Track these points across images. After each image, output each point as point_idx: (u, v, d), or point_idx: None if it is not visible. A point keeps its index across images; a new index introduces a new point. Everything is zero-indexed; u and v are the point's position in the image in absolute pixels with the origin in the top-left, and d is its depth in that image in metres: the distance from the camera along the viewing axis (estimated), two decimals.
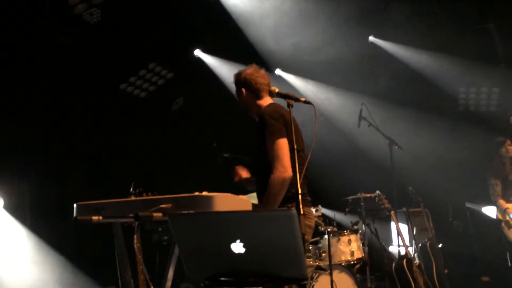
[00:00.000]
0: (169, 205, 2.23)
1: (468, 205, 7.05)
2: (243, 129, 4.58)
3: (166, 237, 6.03)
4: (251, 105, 3.28)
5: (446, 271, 5.65)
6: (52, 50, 5.47)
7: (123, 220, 2.48)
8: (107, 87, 6.36)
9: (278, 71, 7.80)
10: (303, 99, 2.83)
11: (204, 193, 2.25)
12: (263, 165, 2.93)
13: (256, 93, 3.26)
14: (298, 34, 6.77)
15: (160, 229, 6.09)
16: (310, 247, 4.93)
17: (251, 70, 3.33)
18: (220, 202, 2.18)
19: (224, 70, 7.18)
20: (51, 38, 5.41)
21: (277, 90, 2.81)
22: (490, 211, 6.71)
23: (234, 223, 1.88)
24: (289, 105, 2.76)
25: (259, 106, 3.21)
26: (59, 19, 5.34)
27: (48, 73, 5.54)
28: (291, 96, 2.76)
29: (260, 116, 3.05)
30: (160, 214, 2.19)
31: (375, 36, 7.30)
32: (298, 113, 2.76)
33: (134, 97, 6.77)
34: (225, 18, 6.36)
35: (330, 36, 6.72)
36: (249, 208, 2.45)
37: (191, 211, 2.11)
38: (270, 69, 7.60)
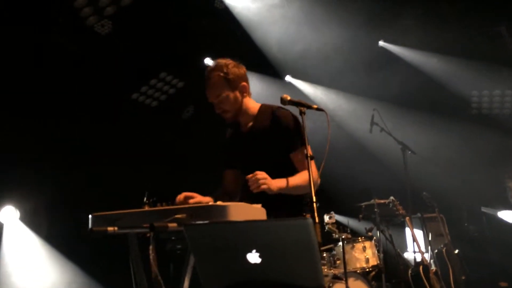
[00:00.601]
0: (184, 215, 2.22)
1: (484, 209, 6.96)
2: None
3: (179, 246, 6.04)
4: (243, 105, 2.96)
5: (463, 278, 5.57)
6: (64, 60, 5.53)
7: (138, 230, 2.47)
8: (119, 97, 6.40)
9: (288, 78, 7.80)
10: (315, 106, 2.82)
11: (218, 202, 2.24)
12: (278, 168, 2.73)
13: (249, 90, 3.00)
14: (308, 40, 6.77)
15: (173, 238, 6.12)
16: (324, 255, 4.90)
17: (231, 61, 2.96)
18: (235, 211, 2.17)
19: None
20: (63, 49, 5.47)
21: (289, 98, 2.76)
22: (506, 215, 6.62)
23: (249, 233, 1.87)
24: (301, 113, 2.73)
25: (253, 107, 3.00)
26: (71, 30, 5.40)
27: (60, 83, 5.60)
28: (303, 104, 2.73)
29: (286, 117, 2.87)
30: (175, 225, 2.18)
31: (385, 41, 7.28)
32: (308, 120, 2.73)
33: (145, 107, 6.81)
34: (234, 26, 6.39)
35: (340, 42, 6.71)
36: (264, 217, 2.44)
37: (206, 221, 2.10)
38: (280, 76, 7.61)
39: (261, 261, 1.84)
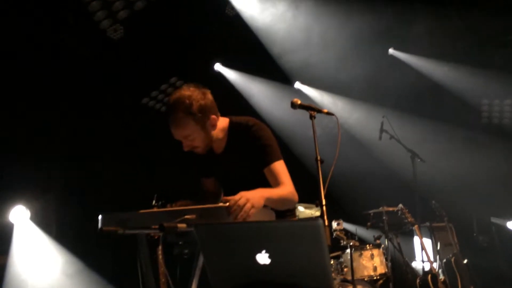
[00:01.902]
0: (194, 216, 2.23)
1: (493, 220, 6.89)
2: None
3: (187, 251, 6.05)
4: (214, 135, 2.74)
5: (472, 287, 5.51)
6: (76, 64, 5.60)
7: (148, 231, 2.48)
8: (130, 101, 6.45)
9: (297, 85, 7.82)
10: (325, 110, 2.77)
11: (228, 203, 2.25)
12: (257, 186, 2.52)
13: (217, 114, 2.74)
14: (318, 47, 6.79)
15: (181, 243, 6.12)
16: (332, 262, 4.88)
17: (194, 89, 2.65)
18: None
19: (244, 84, 7.24)
20: (76, 51, 5.53)
21: (299, 102, 2.73)
22: None
23: (259, 233, 1.87)
24: (311, 117, 2.71)
25: (223, 128, 2.78)
26: (83, 34, 5.47)
27: (72, 86, 5.66)
28: (313, 108, 2.69)
29: (262, 134, 2.71)
30: (184, 225, 2.19)
31: (395, 49, 7.29)
32: (318, 127, 2.70)
33: (155, 111, 6.86)
34: (246, 33, 6.43)
35: (350, 49, 6.72)
36: (273, 218, 2.44)
37: (217, 222, 2.11)
38: (289, 82, 7.63)
39: (271, 262, 1.84)
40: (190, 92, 2.61)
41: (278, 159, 2.67)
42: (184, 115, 2.58)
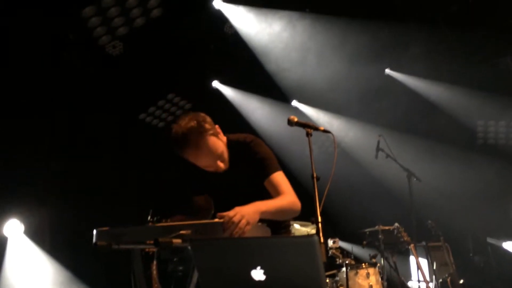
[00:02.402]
0: (189, 232, 2.22)
1: (489, 240, 6.89)
2: None
3: (181, 268, 6.01)
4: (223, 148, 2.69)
5: None
6: (74, 79, 5.62)
7: (143, 246, 2.47)
8: (127, 117, 6.47)
9: (294, 103, 7.87)
10: (322, 128, 2.78)
11: (223, 219, 2.24)
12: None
13: (215, 130, 2.68)
14: (315, 66, 6.86)
15: (175, 259, 6.09)
16: (328, 280, 4.85)
17: (184, 117, 2.62)
18: None
19: (241, 101, 7.28)
20: (73, 68, 5.57)
21: (296, 119, 2.75)
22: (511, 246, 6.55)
23: (255, 250, 1.86)
24: (308, 134, 2.72)
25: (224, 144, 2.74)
26: (81, 50, 5.51)
27: (69, 101, 5.68)
28: (310, 126, 2.71)
29: (253, 150, 2.71)
30: (179, 240, 2.18)
31: (392, 69, 7.36)
32: (314, 145, 2.71)
33: (152, 127, 6.87)
34: (243, 51, 6.49)
35: (347, 69, 6.79)
36: (269, 234, 2.43)
37: (212, 237, 2.11)
38: (287, 100, 7.69)
39: (266, 278, 1.83)
40: (193, 120, 2.57)
41: (276, 171, 2.67)
42: (210, 139, 2.57)
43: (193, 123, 2.54)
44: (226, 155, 2.69)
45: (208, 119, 2.65)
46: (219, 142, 2.64)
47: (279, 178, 2.67)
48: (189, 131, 2.53)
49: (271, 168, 2.67)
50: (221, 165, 2.65)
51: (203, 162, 2.62)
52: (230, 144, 2.77)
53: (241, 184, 2.74)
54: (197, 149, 2.55)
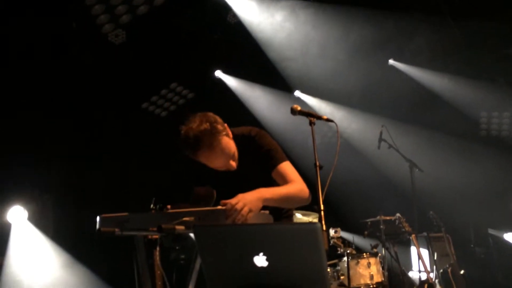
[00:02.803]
0: (192, 218, 2.23)
1: (490, 231, 6.90)
2: None
3: (183, 256, 6.04)
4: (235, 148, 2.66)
5: None
6: (77, 67, 5.62)
7: (146, 232, 2.48)
8: (130, 105, 6.48)
9: (297, 93, 7.85)
10: (325, 117, 2.75)
11: (225, 207, 2.25)
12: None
13: (227, 130, 2.64)
14: (318, 56, 6.83)
15: (177, 248, 6.11)
16: (329, 270, 4.87)
17: (192, 118, 2.56)
18: None
19: (244, 91, 7.27)
20: (76, 57, 5.57)
21: (299, 108, 2.73)
22: None
23: (257, 236, 1.87)
24: (311, 123, 2.70)
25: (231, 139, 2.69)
26: (84, 39, 5.50)
27: (72, 91, 5.69)
28: (313, 114, 2.69)
29: (259, 143, 2.69)
30: (182, 227, 2.19)
31: (395, 60, 7.33)
32: (317, 135, 2.69)
33: (155, 116, 6.88)
34: (246, 40, 6.46)
35: (350, 59, 6.76)
36: (271, 221, 2.44)
37: (215, 224, 2.12)
38: (289, 90, 7.67)
39: (268, 265, 1.84)
40: (198, 121, 2.51)
41: (283, 161, 2.67)
42: (222, 140, 2.53)
43: (206, 125, 2.49)
44: (237, 153, 2.65)
45: (219, 119, 2.60)
46: (231, 142, 2.61)
47: (287, 167, 2.66)
48: (202, 133, 2.48)
49: (277, 159, 2.67)
50: (233, 164, 2.63)
51: (216, 163, 2.59)
52: (235, 139, 2.73)
53: (248, 178, 2.69)
54: (211, 151, 2.51)
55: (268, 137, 2.76)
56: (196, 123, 2.51)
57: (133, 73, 6.04)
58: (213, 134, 2.50)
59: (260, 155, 2.68)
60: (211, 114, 2.62)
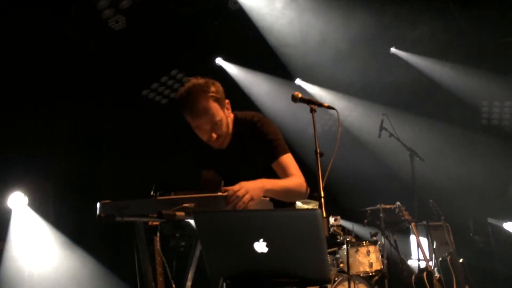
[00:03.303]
0: (192, 205, 2.23)
1: (490, 220, 6.92)
2: None
3: (183, 243, 6.07)
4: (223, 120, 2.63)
5: (467, 287, 5.53)
6: (76, 55, 5.60)
7: (146, 219, 2.48)
8: (130, 92, 6.45)
9: (298, 81, 7.83)
10: (326, 104, 2.74)
11: (226, 193, 2.25)
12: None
13: (224, 102, 2.65)
14: (319, 44, 6.79)
15: (177, 235, 6.14)
16: (328, 257, 4.89)
17: (201, 78, 2.61)
18: None
19: (245, 78, 7.24)
20: (75, 44, 5.53)
21: (300, 95, 2.71)
22: None
23: (257, 222, 1.87)
24: (312, 110, 2.68)
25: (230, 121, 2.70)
26: (84, 25, 5.46)
27: (72, 78, 5.67)
28: (314, 102, 2.66)
29: (261, 131, 2.66)
30: (183, 213, 2.19)
31: (397, 48, 7.29)
32: (317, 124, 2.67)
33: (155, 104, 6.86)
34: (247, 27, 6.42)
35: (351, 47, 6.72)
36: (271, 208, 2.44)
37: (215, 210, 2.12)
38: (290, 78, 7.64)
39: (268, 251, 1.84)
40: (203, 80, 2.57)
41: (285, 152, 2.64)
42: (211, 101, 2.52)
43: (201, 81, 2.55)
44: (225, 128, 2.62)
45: (219, 87, 2.61)
46: (220, 111, 2.57)
47: (288, 160, 2.64)
48: (193, 87, 2.52)
49: (280, 150, 2.64)
50: (214, 136, 2.58)
51: (197, 122, 2.56)
52: (236, 121, 2.72)
53: (244, 162, 2.72)
54: (194, 106, 2.51)
55: (272, 125, 2.72)
56: (195, 79, 2.57)
57: (133, 59, 6.01)
58: (202, 91, 2.51)
59: (263, 143, 2.65)
60: (216, 81, 2.63)
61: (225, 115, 2.62)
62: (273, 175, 2.62)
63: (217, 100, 2.56)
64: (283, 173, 2.60)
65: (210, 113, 2.53)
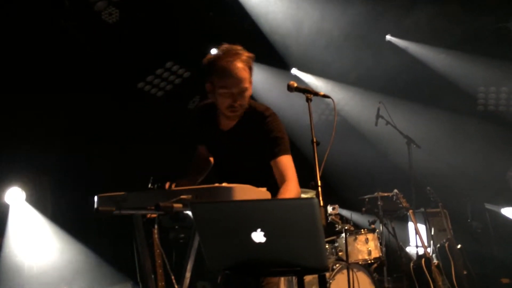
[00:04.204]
0: (189, 196, 2.23)
1: (487, 206, 6.95)
2: None
3: (182, 235, 6.09)
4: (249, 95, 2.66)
5: (465, 272, 5.57)
6: (71, 48, 5.56)
7: (144, 211, 2.49)
8: (125, 86, 6.43)
9: (294, 71, 7.80)
10: (321, 93, 2.73)
11: (224, 184, 2.25)
12: (262, 173, 2.61)
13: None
14: (314, 33, 6.75)
15: (176, 227, 6.15)
16: (327, 246, 4.92)
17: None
18: (240, 193, 2.18)
19: None
20: (69, 37, 5.50)
21: (295, 85, 2.70)
22: (510, 212, 6.61)
23: (255, 212, 1.88)
24: (308, 100, 2.67)
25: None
26: (78, 18, 5.42)
27: (66, 71, 5.64)
28: (310, 91, 2.65)
29: (269, 126, 2.65)
30: (180, 205, 2.19)
31: (393, 35, 7.26)
32: (314, 113, 2.66)
33: (151, 96, 6.83)
34: (242, 17, 6.38)
35: (347, 35, 6.69)
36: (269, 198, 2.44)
37: (212, 200, 2.12)
38: (286, 68, 7.62)
39: (266, 240, 1.85)
40: (245, 51, 2.59)
41: (287, 153, 2.63)
42: (246, 67, 2.56)
43: (239, 47, 2.59)
44: (246, 101, 2.63)
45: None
46: (249, 81, 2.60)
47: (288, 162, 2.63)
48: (235, 48, 2.57)
49: (282, 150, 2.63)
50: (237, 103, 2.58)
51: (228, 81, 2.55)
52: (249, 108, 2.71)
53: (242, 149, 2.72)
54: (232, 64, 2.52)
55: (280, 124, 2.71)
56: (238, 46, 2.62)
57: (128, 52, 5.97)
58: (243, 55, 2.57)
59: (267, 138, 2.64)
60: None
61: (250, 90, 2.63)
62: (267, 169, 2.62)
63: (250, 70, 2.60)
64: (280, 174, 2.60)
65: (243, 77, 2.55)
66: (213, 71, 2.58)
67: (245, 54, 2.59)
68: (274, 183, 2.59)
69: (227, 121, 2.73)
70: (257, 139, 2.66)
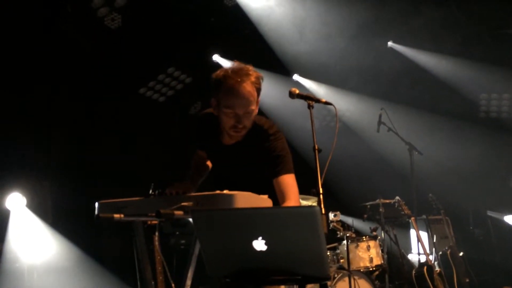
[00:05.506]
0: (190, 203, 2.22)
1: (489, 213, 6.92)
2: None
3: (183, 241, 6.08)
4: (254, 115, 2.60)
5: (467, 280, 5.54)
6: (73, 54, 5.58)
7: (145, 218, 2.47)
8: (127, 91, 6.44)
9: (296, 77, 7.80)
10: (323, 100, 2.71)
11: (225, 191, 2.24)
12: (263, 183, 2.56)
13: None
14: (316, 39, 6.76)
15: (177, 233, 6.14)
16: (328, 253, 4.90)
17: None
18: (241, 200, 2.17)
19: None
20: (72, 42, 5.52)
21: (297, 91, 2.68)
22: None
23: (256, 220, 1.86)
24: (309, 106, 2.66)
25: None
26: (81, 24, 5.44)
27: (69, 76, 5.65)
28: (311, 97, 2.64)
29: (272, 144, 2.60)
30: (181, 212, 2.18)
31: (394, 42, 7.26)
32: (316, 119, 2.64)
33: (153, 101, 6.84)
34: (244, 24, 6.39)
35: (349, 42, 6.70)
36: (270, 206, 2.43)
37: (213, 208, 2.10)
38: (288, 74, 7.62)
39: (267, 249, 1.83)
40: (254, 70, 2.55)
41: (289, 172, 2.58)
42: (253, 87, 2.51)
43: (250, 67, 2.55)
44: (250, 123, 2.58)
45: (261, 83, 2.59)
46: (256, 102, 2.54)
47: (290, 181, 2.58)
48: (246, 68, 2.53)
49: (284, 169, 2.58)
50: (240, 126, 2.53)
51: (234, 101, 2.50)
52: (252, 125, 2.64)
53: (243, 165, 2.69)
54: (241, 85, 2.47)
55: (285, 142, 2.67)
56: (246, 66, 2.57)
57: (130, 58, 5.99)
58: (253, 76, 2.51)
59: (270, 157, 2.59)
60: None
61: (256, 111, 2.58)
62: (267, 186, 2.56)
63: (258, 92, 2.55)
64: (281, 193, 2.55)
65: (250, 99, 2.50)
66: (220, 89, 2.54)
67: (255, 75, 2.54)
68: (274, 192, 2.56)
69: (230, 137, 2.68)
70: (259, 157, 2.62)
